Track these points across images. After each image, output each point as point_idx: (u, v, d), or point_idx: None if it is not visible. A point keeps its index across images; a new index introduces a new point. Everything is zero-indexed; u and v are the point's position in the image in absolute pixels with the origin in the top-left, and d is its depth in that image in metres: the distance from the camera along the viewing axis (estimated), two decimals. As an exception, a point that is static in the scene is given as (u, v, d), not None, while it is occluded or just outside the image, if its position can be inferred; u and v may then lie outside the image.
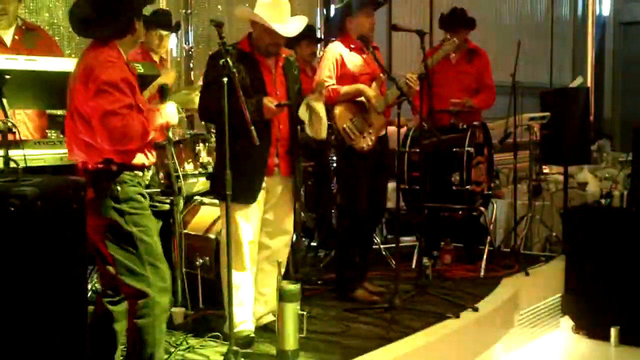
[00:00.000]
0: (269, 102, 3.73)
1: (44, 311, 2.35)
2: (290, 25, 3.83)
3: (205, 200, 4.67)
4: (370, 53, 4.48)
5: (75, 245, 2.40)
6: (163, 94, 3.35)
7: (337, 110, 4.48)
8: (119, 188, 3.11)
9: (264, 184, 3.84)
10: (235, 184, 3.47)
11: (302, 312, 3.67)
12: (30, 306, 2.32)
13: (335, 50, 4.55)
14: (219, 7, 6.86)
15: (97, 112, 2.99)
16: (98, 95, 2.99)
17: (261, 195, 3.84)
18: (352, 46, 4.60)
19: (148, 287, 3.13)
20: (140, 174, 3.20)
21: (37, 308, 2.33)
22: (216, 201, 4.19)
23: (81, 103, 3.07)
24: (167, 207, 3.67)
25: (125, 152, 3.12)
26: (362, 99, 4.50)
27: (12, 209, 2.19)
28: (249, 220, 3.81)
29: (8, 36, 4.27)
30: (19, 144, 3.33)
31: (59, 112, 4.26)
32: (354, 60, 4.57)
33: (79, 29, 3.18)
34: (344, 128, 4.48)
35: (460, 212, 5.44)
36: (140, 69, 3.83)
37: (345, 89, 4.47)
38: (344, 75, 4.52)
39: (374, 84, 4.55)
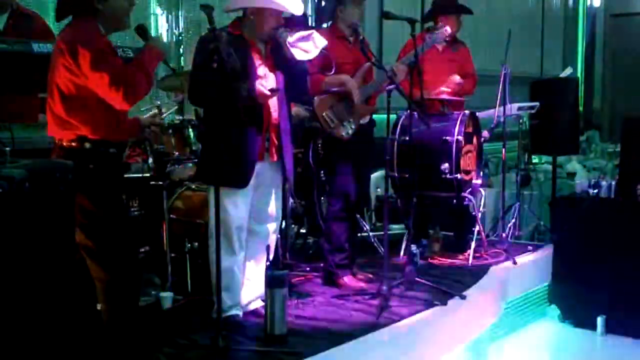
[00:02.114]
0: (262, 86, 3.72)
1: (33, 291, 2.36)
2: (295, 2, 3.83)
3: (194, 185, 4.66)
4: (358, 41, 4.49)
5: (62, 226, 2.41)
6: (143, 34, 3.37)
7: (317, 97, 4.48)
8: (91, 166, 3.11)
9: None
10: (226, 169, 3.46)
11: (290, 298, 3.68)
12: (19, 286, 2.33)
13: None
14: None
15: (104, 79, 3.05)
16: (95, 65, 3.04)
17: (251, 180, 3.83)
18: (338, 35, 4.59)
19: (112, 270, 3.15)
20: (114, 151, 3.21)
21: (25, 288, 2.34)
22: (205, 186, 4.18)
23: (64, 78, 3.11)
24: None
25: (100, 127, 3.14)
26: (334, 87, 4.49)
27: (0, 190, 2.20)
28: (237, 205, 3.79)
29: (2, 21, 4.23)
30: (7, 126, 3.32)
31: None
32: (338, 49, 4.55)
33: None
34: (322, 116, 4.48)
35: (450, 200, 5.46)
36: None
37: (327, 79, 4.46)
38: (327, 64, 4.50)
39: (358, 73, 4.55)
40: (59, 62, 3.14)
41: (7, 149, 2.42)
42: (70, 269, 2.59)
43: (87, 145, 3.12)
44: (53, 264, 2.42)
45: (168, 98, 5.19)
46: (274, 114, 3.88)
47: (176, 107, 4.88)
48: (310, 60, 4.06)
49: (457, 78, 5.48)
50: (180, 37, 6.47)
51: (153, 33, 6.45)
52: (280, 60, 3.91)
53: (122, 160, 3.30)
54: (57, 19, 3.38)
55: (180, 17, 6.44)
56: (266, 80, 3.81)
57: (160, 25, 6.58)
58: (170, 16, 6.55)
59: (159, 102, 4.43)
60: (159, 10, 6.51)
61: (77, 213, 3.08)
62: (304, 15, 5.58)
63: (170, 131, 4.51)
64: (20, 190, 2.24)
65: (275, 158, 3.92)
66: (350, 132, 4.53)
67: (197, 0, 6.54)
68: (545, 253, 5.91)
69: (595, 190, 6.00)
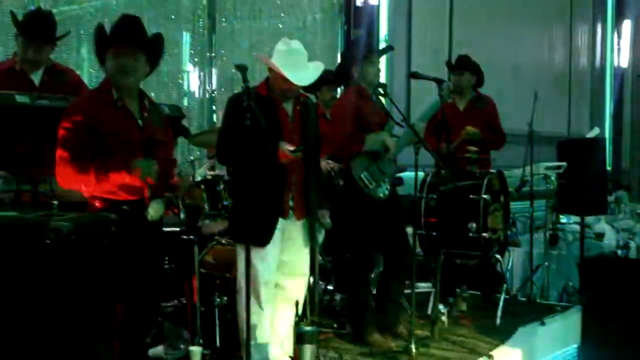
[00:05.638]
0: (285, 147, 3.79)
1: (76, 338, 2.42)
2: (305, 73, 3.87)
3: (224, 240, 4.72)
4: (386, 99, 4.58)
5: (106, 277, 2.47)
6: (148, 150, 3.45)
7: (351, 159, 4.53)
8: None
9: (279, 225, 3.88)
10: (249, 226, 3.52)
11: (318, 355, 3.68)
12: (63, 333, 2.39)
13: (349, 100, 4.64)
14: (244, 47, 6.94)
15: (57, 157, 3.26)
16: (58, 142, 3.30)
17: (277, 236, 3.87)
18: (363, 94, 4.67)
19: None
20: (127, 208, 3.30)
21: (69, 335, 2.40)
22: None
23: None
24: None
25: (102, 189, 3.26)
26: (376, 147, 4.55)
27: (48, 241, 2.29)
28: (265, 260, 3.83)
29: (37, 77, 4.38)
30: (46, 179, 3.42)
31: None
32: (365, 108, 4.63)
33: None
34: (360, 178, 4.51)
35: (476, 260, 5.45)
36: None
37: (369, 138, 4.52)
38: (358, 123, 4.56)
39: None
40: None
41: (55, 202, 2.51)
42: (114, 318, 2.65)
43: (98, 204, 3.25)
44: (97, 313, 2.48)
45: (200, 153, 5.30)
46: (299, 173, 3.93)
47: (209, 163, 4.97)
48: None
49: (468, 128, 5.50)
50: (213, 94, 6.59)
51: (185, 89, 6.59)
52: (307, 119, 3.99)
53: (138, 215, 3.36)
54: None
55: (213, 74, 6.58)
56: (291, 140, 3.86)
57: (193, 82, 6.72)
58: (202, 73, 6.68)
59: (192, 158, 4.53)
60: (191, 68, 6.66)
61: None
62: (331, 73, 5.65)
63: (203, 186, 4.59)
64: (68, 243, 2.31)
65: (300, 217, 3.97)
66: (387, 192, 4.56)
67: (230, 58, 6.74)
68: (574, 314, 5.85)
69: (624, 251, 5.97)
